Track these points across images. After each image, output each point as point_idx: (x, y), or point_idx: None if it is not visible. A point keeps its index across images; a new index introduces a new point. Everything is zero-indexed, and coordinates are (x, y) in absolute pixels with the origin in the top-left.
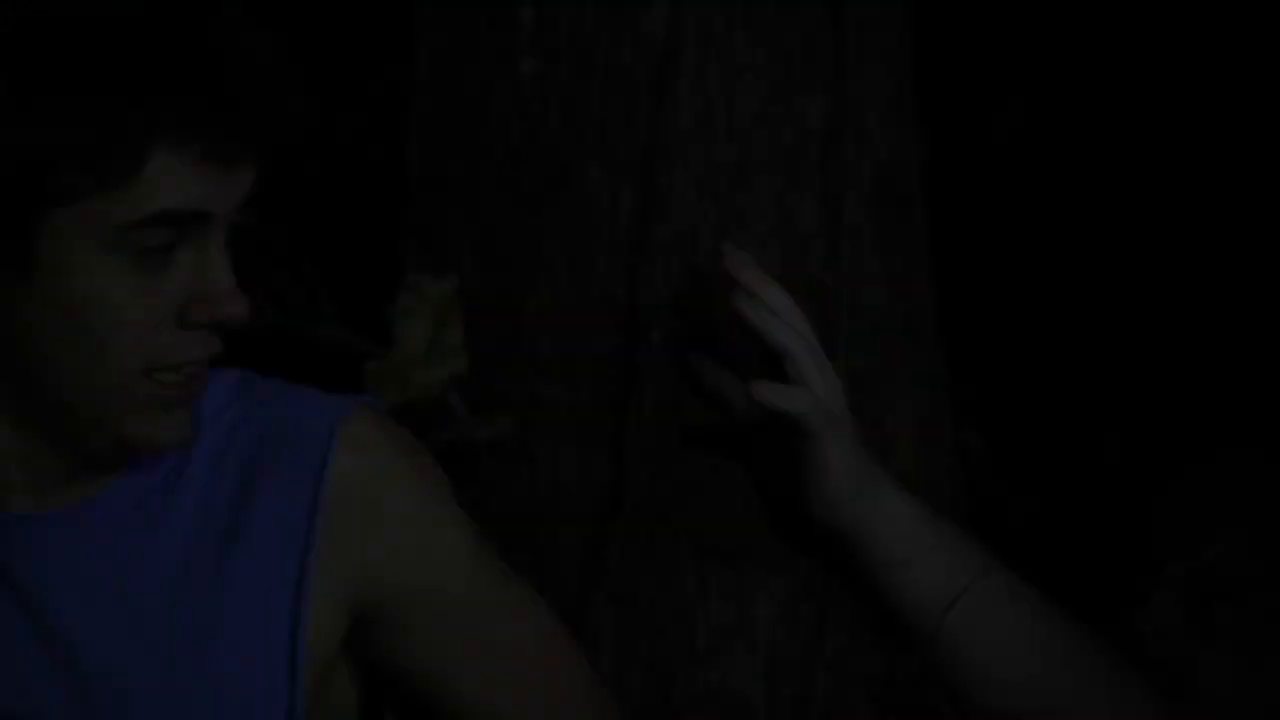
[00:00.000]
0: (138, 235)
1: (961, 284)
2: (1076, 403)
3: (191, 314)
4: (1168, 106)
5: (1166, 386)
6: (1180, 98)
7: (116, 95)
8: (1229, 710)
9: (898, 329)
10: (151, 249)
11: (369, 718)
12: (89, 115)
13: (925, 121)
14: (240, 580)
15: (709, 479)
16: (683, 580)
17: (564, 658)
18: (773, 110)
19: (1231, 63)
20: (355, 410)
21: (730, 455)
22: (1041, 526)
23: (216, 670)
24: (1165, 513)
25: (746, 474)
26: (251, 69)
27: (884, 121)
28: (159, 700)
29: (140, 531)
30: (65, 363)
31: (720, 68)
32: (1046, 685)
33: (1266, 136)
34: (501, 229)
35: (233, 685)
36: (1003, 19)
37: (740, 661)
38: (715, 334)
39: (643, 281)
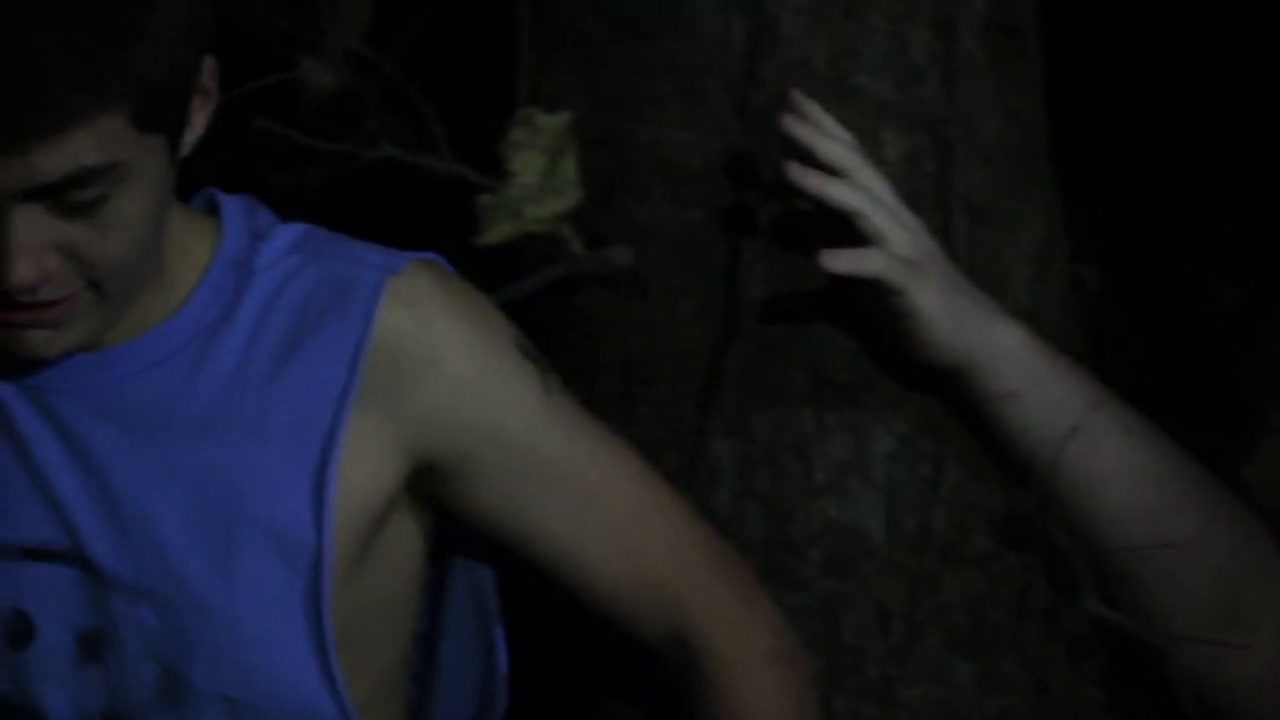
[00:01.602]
0: None
1: (1080, 119)
2: (1194, 245)
3: None
4: None
5: None
6: None
7: None
8: None
9: (1013, 161)
10: None
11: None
12: None
13: None
14: (275, 430)
15: None
16: (800, 415)
17: (656, 503)
18: None
19: None
20: (407, 267)
21: (834, 314)
22: (1157, 364)
23: (246, 517)
24: (1267, 360)
25: (853, 325)
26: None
27: None
28: (191, 537)
29: (181, 374)
30: None
31: None
32: (1164, 518)
33: None
34: (612, 65)
35: (263, 529)
36: None
37: (859, 496)
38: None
39: (754, 114)
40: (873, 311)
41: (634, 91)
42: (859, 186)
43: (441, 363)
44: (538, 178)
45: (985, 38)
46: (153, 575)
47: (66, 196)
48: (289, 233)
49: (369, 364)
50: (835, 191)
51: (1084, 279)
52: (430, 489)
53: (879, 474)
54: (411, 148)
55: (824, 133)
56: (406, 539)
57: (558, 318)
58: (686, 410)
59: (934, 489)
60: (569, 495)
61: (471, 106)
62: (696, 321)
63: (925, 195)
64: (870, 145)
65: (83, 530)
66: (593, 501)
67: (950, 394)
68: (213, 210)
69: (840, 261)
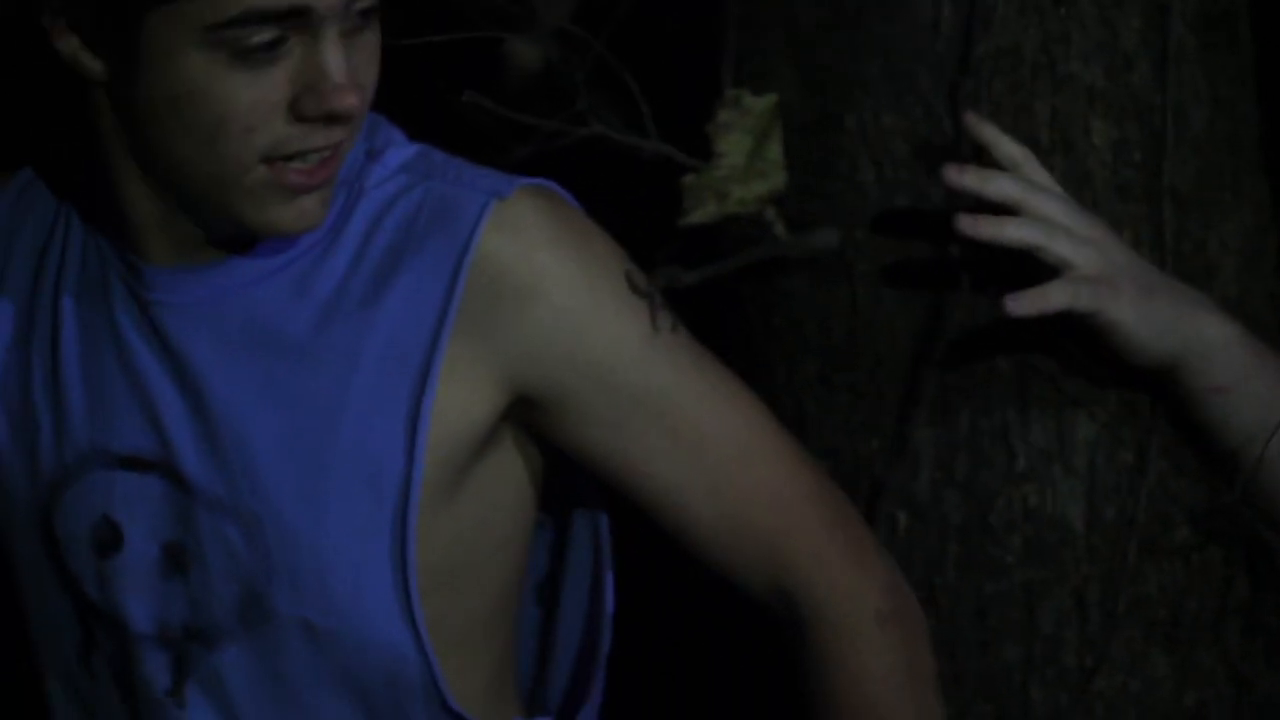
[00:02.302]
0: (231, 33)
1: None
2: None
3: (302, 107)
4: None
5: None
6: None
7: None
8: None
9: (1222, 151)
10: (252, 46)
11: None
12: None
13: None
14: (372, 354)
15: None
16: (1003, 401)
17: (767, 452)
18: None
19: None
20: (515, 193)
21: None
22: None
23: (338, 442)
24: None
25: (1056, 329)
26: None
27: None
28: (282, 459)
29: (284, 293)
30: (181, 152)
31: None
32: None
33: None
34: (821, 47)
35: (354, 455)
36: None
37: (1060, 484)
38: None
39: (964, 100)
40: (1078, 325)
41: (842, 75)
42: (1032, 218)
43: (541, 293)
44: (743, 159)
45: (1196, 25)
46: (241, 493)
47: (355, 3)
48: (402, 152)
49: (468, 291)
50: (1009, 233)
51: None
52: (531, 422)
53: (1080, 462)
54: (618, 127)
55: (987, 174)
56: (508, 474)
57: (760, 300)
58: (888, 395)
59: (1136, 477)
60: (670, 435)
61: (677, 86)
62: (900, 306)
63: (1133, 184)
64: (1079, 133)
65: (176, 442)
66: (695, 443)
67: (1154, 388)
68: None
69: (1024, 304)
